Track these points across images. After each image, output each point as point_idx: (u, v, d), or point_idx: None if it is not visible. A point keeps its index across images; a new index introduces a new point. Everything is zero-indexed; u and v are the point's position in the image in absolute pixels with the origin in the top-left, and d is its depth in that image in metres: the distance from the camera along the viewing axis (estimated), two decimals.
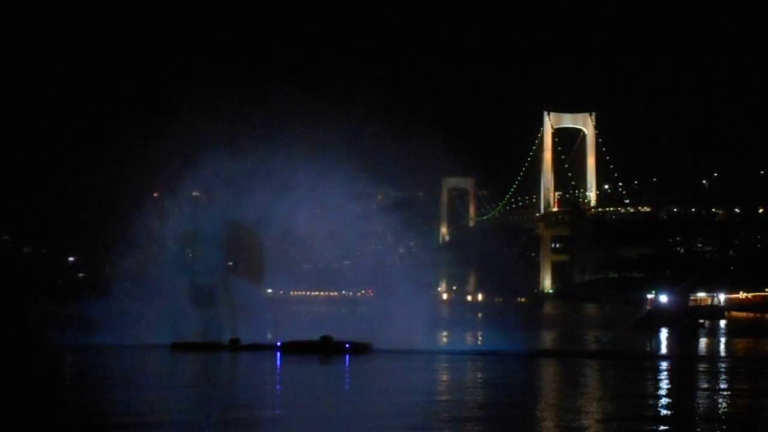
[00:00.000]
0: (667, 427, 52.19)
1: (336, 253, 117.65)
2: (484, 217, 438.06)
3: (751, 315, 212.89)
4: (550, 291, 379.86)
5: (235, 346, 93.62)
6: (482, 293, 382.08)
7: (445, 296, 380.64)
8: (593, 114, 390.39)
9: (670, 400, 63.40)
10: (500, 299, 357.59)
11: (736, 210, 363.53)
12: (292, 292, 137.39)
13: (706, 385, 73.16)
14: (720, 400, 63.29)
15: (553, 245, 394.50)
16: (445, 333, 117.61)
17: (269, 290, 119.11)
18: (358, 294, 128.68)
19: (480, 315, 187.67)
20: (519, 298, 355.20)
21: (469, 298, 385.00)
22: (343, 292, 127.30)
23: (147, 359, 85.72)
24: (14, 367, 78.39)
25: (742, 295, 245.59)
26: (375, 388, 68.50)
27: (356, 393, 67.39)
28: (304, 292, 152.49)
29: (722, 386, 72.32)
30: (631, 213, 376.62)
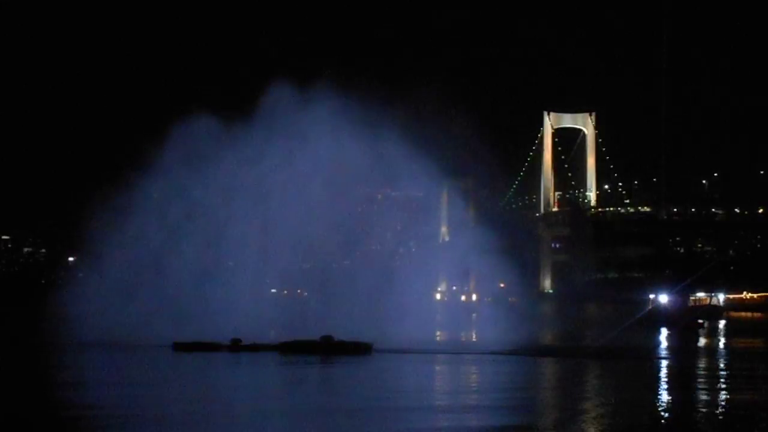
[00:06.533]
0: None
1: (335, 254, 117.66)
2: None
3: (751, 315, 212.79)
4: (550, 291, 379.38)
5: (236, 346, 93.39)
6: (477, 293, 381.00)
7: (438, 296, 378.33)
8: (593, 114, 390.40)
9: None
10: (490, 299, 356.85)
11: (736, 210, 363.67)
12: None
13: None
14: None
15: (553, 245, 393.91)
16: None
17: (273, 290, 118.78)
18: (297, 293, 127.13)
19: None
20: (510, 298, 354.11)
21: (462, 298, 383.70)
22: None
23: (148, 359, 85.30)
24: None
25: (746, 295, 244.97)
26: None
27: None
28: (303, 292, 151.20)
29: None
30: (631, 213, 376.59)
